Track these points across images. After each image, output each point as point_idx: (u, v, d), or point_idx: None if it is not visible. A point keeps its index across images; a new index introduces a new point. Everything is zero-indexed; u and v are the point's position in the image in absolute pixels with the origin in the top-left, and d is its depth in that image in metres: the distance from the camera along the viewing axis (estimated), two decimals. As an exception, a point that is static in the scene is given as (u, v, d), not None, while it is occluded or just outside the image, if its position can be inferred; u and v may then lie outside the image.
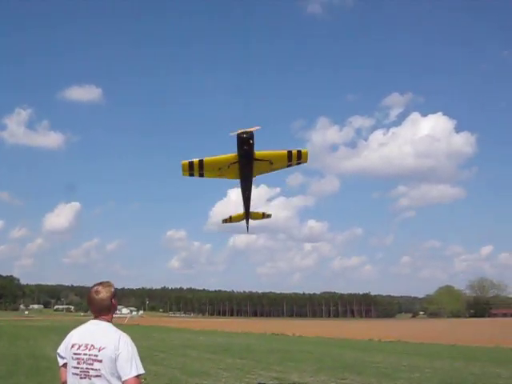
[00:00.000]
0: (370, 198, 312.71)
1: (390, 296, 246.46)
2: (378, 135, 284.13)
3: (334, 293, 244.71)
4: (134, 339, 4.13)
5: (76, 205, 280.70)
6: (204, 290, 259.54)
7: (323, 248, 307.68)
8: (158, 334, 44.54)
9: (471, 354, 26.12)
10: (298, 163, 13.79)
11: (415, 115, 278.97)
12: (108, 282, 4.33)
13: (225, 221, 16.91)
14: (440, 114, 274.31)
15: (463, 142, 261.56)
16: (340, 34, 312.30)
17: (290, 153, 13.62)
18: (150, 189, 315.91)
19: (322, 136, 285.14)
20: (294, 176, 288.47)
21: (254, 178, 14.00)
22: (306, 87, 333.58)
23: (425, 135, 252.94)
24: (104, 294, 4.20)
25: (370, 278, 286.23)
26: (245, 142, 12.57)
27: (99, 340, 4.04)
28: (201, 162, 13.00)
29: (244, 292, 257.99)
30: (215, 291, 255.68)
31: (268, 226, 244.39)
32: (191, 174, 13.09)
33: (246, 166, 13.21)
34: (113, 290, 4.28)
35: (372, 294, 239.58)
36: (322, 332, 52.29)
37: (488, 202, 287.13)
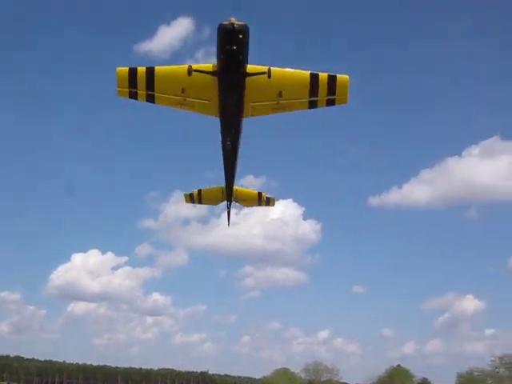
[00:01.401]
0: (217, 275, 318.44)
1: (227, 375, 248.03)
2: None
3: (172, 369, 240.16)
4: None
5: None
6: (33, 358, 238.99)
7: (165, 322, 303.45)
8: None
9: None
10: (330, 101, 10.22)
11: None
12: None
13: (190, 198, 13.79)
14: (291, 200, 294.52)
15: (309, 228, 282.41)
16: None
17: (315, 76, 10.15)
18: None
19: (175, 209, 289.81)
20: (143, 246, 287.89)
21: (244, 119, 10.24)
22: (162, 162, 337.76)
23: (275, 218, 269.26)
24: None
25: (209, 356, 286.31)
26: (232, 38, 8.41)
27: None
28: (151, 70, 9.57)
29: (77, 363, 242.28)
30: (45, 361, 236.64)
31: (111, 295, 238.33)
32: (132, 93, 9.44)
33: (231, 86, 9.57)
34: None
35: (210, 372, 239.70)
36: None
37: (327, 288, 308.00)
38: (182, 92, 9.07)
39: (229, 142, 10.30)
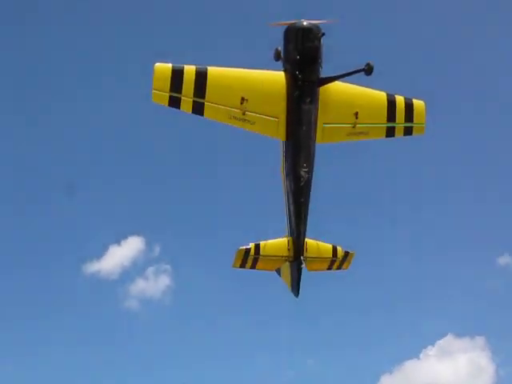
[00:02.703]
0: None
1: None
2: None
3: None
4: None
5: None
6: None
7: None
8: None
9: None
10: (408, 129, 9.17)
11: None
12: None
13: (241, 261, 8.95)
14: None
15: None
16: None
17: (392, 98, 9.01)
18: None
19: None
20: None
21: (316, 144, 8.53)
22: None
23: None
24: None
25: None
26: (313, 35, 7.90)
27: None
28: (203, 70, 7.38)
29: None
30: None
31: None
32: (174, 99, 6.94)
33: (308, 94, 8.11)
34: None
35: None
36: None
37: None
38: (242, 103, 7.43)
39: (305, 170, 8.21)
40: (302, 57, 7.95)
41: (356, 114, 8.53)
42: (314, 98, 8.15)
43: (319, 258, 9.38)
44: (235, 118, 7.71)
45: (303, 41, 7.90)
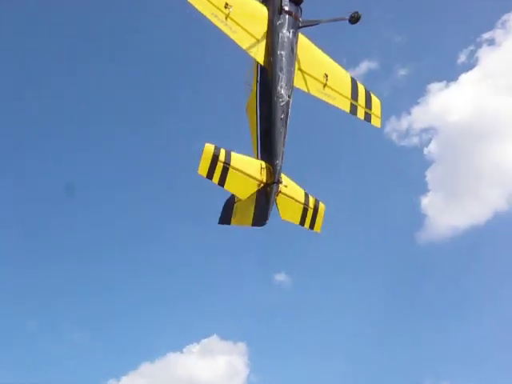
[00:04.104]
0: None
1: None
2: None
3: None
4: None
5: None
6: None
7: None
8: None
9: None
10: (367, 114, 9.29)
11: None
12: None
13: (209, 166, 7.62)
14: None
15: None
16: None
17: (354, 80, 9.34)
18: None
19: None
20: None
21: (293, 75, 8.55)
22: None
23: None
24: None
25: None
26: None
27: None
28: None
29: None
30: None
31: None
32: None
33: (287, 26, 8.57)
34: None
35: None
36: None
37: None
38: (226, 6, 7.77)
39: (286, 91, 8.24)
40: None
41: (326, 76, 8.73)
42: (296, 32, 8.47)
43: (293, 200, 8.57)
44: (217, 18, 7.86)
45: None
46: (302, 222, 8.71)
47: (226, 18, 7.77)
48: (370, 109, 9.17)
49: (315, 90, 8.83)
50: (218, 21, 7.73)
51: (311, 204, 8.78)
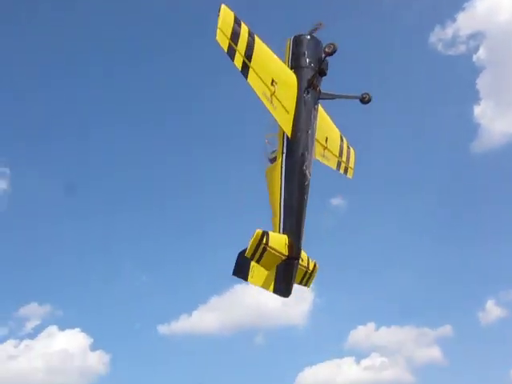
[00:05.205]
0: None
1: None
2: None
3: None
4: None
5: None
6: None
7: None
8: None
9: None
10: (345, 169, 10.42)
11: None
12: None
13: (255, 248, 7.83)
14: (78, 329, 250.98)
15: (97, 360, 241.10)
16: None
17: (341, 137, 10.06)
18: None
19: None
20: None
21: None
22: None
23: (59, 350, 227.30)
24: None
25: None
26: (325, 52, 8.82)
27: None
28: (252, 35, 7.80)
29: None
30: None
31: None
32: (231, 48, 7.47)
33: (313, 102, 8.83)
34: None
35: None
36: None
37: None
38: (272, 83, 7.98)
39: (309, 172, 8.56)
40: (320, 67, 8.72)
41: (326, 139, 9.19)
42: (317, 105, 8.81)
43: (304, 268, 9.11)
44: (265, 95, 8.01)
45: (321, 53, 8.69)
46: (301, 283, 9.52)
47: (271, 96, 8.13)
48: (349, 163, 10.54)
49: (319, 154, 9.48)
50: (266, 100, 8.09)
51: (310, 267, 9.49)
